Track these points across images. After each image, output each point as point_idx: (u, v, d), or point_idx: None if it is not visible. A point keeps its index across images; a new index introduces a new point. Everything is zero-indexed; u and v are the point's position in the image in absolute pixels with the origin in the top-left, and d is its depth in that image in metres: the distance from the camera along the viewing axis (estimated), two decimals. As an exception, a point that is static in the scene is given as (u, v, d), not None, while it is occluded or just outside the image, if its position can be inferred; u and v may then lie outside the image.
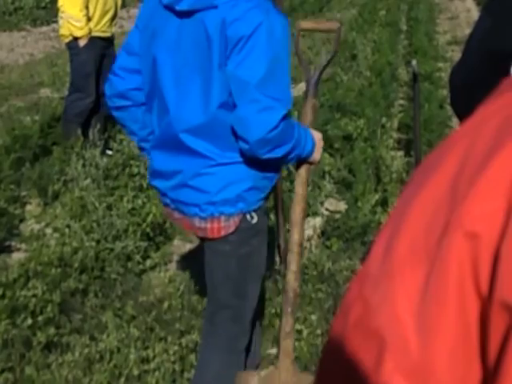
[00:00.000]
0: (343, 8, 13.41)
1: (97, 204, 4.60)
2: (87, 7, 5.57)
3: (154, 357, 3.23)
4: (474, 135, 0.58)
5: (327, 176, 5.20)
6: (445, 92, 7.16)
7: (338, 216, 4.71)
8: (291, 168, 5.10)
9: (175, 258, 4.37)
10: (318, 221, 4.70)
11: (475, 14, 12.68)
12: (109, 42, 5.85)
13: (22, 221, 4.78)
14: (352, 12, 13.22)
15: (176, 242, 4.57)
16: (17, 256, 4.29)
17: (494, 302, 0.53)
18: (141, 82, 2.42)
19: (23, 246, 4.44)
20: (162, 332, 3.43)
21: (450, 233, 0.55)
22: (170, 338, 3.37)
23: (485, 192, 0.54)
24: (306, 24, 2.73)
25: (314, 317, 3.56)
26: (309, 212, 4.81)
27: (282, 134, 2.21)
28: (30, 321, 3.41)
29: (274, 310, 3.60)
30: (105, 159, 5.44)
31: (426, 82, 7.62)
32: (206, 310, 2.67)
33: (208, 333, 2.59)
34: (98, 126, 5.90)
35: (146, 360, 3.23)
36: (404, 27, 12.02)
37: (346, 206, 4.87)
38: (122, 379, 3.11)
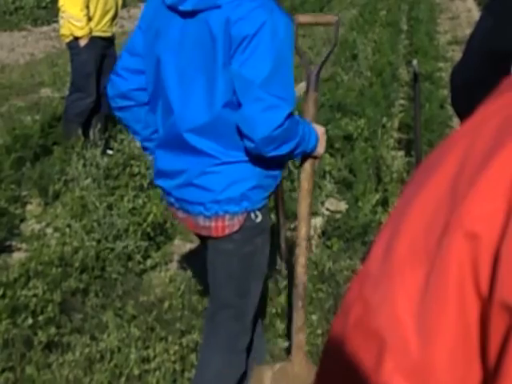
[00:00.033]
0: (344, 8, 13.41)
1: (97, 204, 4.61)
2: (88, 7, 5.57)
3: (155, 356, 3.23)
4: (474, 135, 0.58)
5: (328, 176, 5.20)
6: (445, 92, 7.16)
7: (338, 216, 4.71)
8: (291, 167, 5.10)
9: (176, 257, 4.37)
10: (318, 221, 4.70)
11: (476, 13, 12.69)
12: (109, 41, 5.85)
13: (22, 220, 4.79)
14: (352, 12, 13.22)
15: (176, 241, 4.57)
16: (17, 256, 4.29)
17: (494, 302, 0.53)
18: (143, 83, 2.42)
19: (24, 245, 4.44)
20: (163, 332, 3.43)
21: (450, 233, 0.55)
22: (170, 338, 3.37)
23: (485, 192, 0.54)
24: (304, 18, 2.73)
25: (314, 317, 3.56)
26: (309, 212, 4.81)
27: (287, 131, 2.23)
28: (30, 320, 3.41)
29: (274, 310, 3.60)
30: (105, 159, 5.44)
31: (427, 82, 7.62)
32: (208, 309, 2.67)
33: (209, 332, 2.59)
34: (99, 126, 5.90)
35: (146, 360, 3.23)
36: (405, 27, 12.02)
37: (346, 206, 4.87)
38: (123, 379, 3.11)
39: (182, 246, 4.52)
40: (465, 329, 0.55)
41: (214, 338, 2.56)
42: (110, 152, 5.79)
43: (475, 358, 0.55)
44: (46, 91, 7.98)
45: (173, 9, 2.31)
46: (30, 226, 4.70)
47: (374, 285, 0.58)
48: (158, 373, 3.13)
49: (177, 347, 3.28)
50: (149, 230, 4.38)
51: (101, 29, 5.71)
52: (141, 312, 3.61)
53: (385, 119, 6.38)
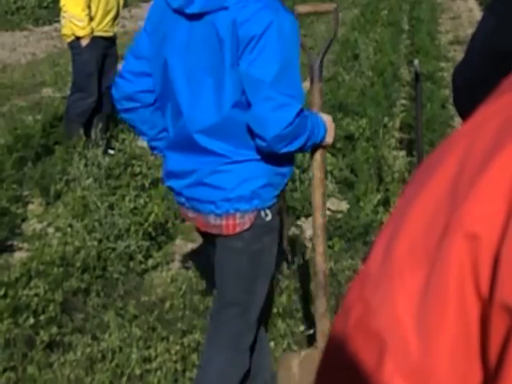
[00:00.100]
0: (345, 8, 13.40)
1: (99, 203, 4.61)
2: (89, 7, 5.57)
3: (156, 356, 3.24)
4: (474, 135, 0.58)
5: (329, 176, 5.20)
6: (447, 92, 7.16)
7: (339, 216, 4.70)
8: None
9: (177, 257, 4.37)
10: (319, 220, 4.70)
11: (477, 13, 12.68)
12: (111, 41, 5.86)
13: (24, 220, 4.79)
14: (354, 12, 13.22)
15: (178, 241, 4.57)
16: (19, 255, 4.29)
17: (495, 303, 0.53)
18: (148, 84, 2.45)
19: (25, 245, 4.44)
20: (164, 331, 3.43)
21: (450, 234, 0.55)
22: (171, 338, 3.37)
23: (485, 193, 0.54)
24: (303, 8, 2.74)
25: (315, 316, 3.56)
26: (310, 212, 4.81)
27: (298, 127, 2.26)
28: (32, 320, 3.41)
29: (276, 310, 3.60)
30: (107, 159, 5.44)
31: (428, 82, 7.61)
32: (213, 307, 2.69)
33: (213, 330, 2.60)
34: (100, 126, 5.90)
35: (147, 359, 3.23)
36: (406, 27, 12.02)
37: (347, 206, 4.87)
38: (124, 379, 3.11)
39: (184, 245, 4.52)
40: (465, 329, 0.55)
41: (218, 336, 2.57)
42: (111, 152, 5.79)
43: (475, 359, 0.55)
44: (47, 91, 7.98)
45: (179, 12, 2.33)
46: (32, 226, 4.70)
47: (374, 285, 0.58)
48: (159, 373, 3.13)
49: (178, 347, 3.28)
50: (150, 229, 4.38)
51: (102, 29, 5.72)
52: (142, 312, 3.61)
53: (386, 119, 6.38)
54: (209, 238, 2.57)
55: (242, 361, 2.60)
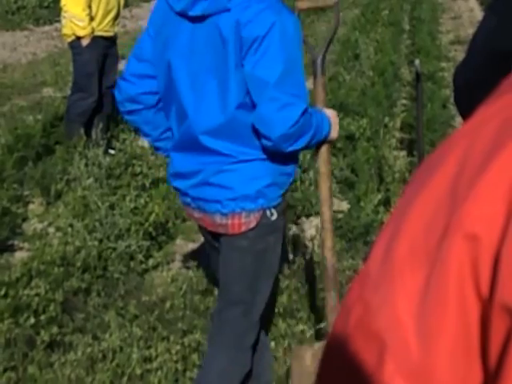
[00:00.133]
0: (346, 7, 13.39)
1: (99, 203, 4.61)
2: (90, 6, 5.57)
3: (157, 356, 3.24)
4: (474, 136, 0.58)
5: (330, 176, 5.19)
6: (447, 92, 7.16)
7: (340, 216, 4.70)
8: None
9: (178, 257, 4.37)
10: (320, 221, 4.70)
11: (478, 13, 12.67)
12: (111, 41, 5.86)
13: (24, 220, 4.79)
14: (355, 12, 13.21)
15: (178, 241, 4.57)
16: (20, 255, 4.29)
17: (495, 304, 0.53)
18: (150, 86, 2.47)
19: (26, 245, 4.45)
20: (165, 331, 3.43)
21: (450, 234, 0.55)
22: (172, 338, 3.37)
23: (484, 195, 0.54)
24: (304, 3, 2.75)
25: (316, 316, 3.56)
26: (311, 211, 4.81)
27: (303, 126, 2.28)
28: (32, 320, 3.41)
29: (276, 310, 3.60)
30: (107, 158, 5.44)
31: (429, 82, 7.61)
32: (216, 306, 2.70)
33: (216, 328, 2.61)
34: (101, 126, 5.91)
35: (148, 359, 3.23)
36: (407, 27, 12.01)
37: (348, 206, 4.87)
38: (125, 378, 3.11)
39: (184, 245, 4.52)
40: (465, 330, 0.55)
41: (221, 336, 2.58)
42: (112, 151, 5.79)
43: (476, 360, 0.55)
44: (48, 91, 7.98)
45: (182, 14, 2.34)
46: (32, 226, 4.71)
47: (374, 286, 0.58)
48: (159, 372, 3.13)
49: (179, 347, 3.28)
50: (151, 229, 4.39)
51: (103, 28, 5.72)
52: (143, 312, 3.61)
53: (387, 119, 6.38)
54: (212, 238, 2.57)
55: (244, 360, 2.60)
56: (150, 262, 4.19)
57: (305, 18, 10.87)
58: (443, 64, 8.89)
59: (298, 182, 4.97)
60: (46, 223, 4.71)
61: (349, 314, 0.60)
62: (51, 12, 12.52)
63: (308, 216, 4.81)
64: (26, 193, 5.11)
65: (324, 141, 2.50)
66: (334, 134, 2.51)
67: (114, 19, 5.84)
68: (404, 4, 14.06)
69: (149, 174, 5.20)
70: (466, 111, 1.66)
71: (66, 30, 5.73)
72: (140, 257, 4.15)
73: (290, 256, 4.04)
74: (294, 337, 3.40)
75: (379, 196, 4.84)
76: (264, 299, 2.55)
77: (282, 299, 3.69)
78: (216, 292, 3.36)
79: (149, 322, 3.51)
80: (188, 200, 2.50)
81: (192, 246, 4.47)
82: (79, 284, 3.80)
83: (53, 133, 6.15)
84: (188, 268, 4.12)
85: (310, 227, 4.63)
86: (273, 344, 3.32)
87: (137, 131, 4.91)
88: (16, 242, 4.49)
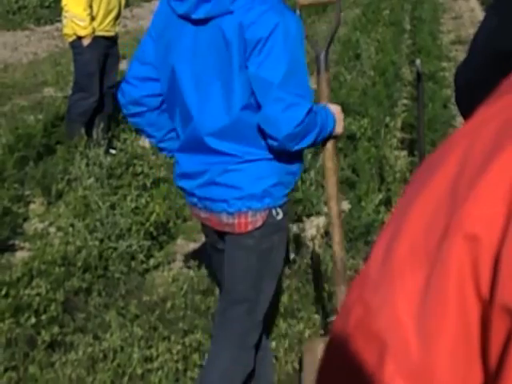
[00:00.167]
0: (347, 7, 13.38)
1: (100, 203, 4.61)
2: (91, 6, 5.57)
3: (158, 356, 3.24)
4: (474, 136, 0.58)
5: (331, 175, 5.19)
6: (449, 91, 7.15)
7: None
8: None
9: (178, 257, 4.37)
10: (321, 220, 4.70)
11: (479, 13, 12.67)
12: (112, 41, 5.86)
13: (25, 220, 4.79)
14: (356, 11, 13.21)
15: (179, 241, 4.57)
16: (20, 255, 4.29)
17: (495, 305, 0.53)
18: (153, 89, 2.48)
19: (27, 244, 4.45)
20: (166, 331, 3.43)
21: (450, 235, 0.55)
22: (173, 338, 3.37)
23: (485, 195, 0.54)
24: (305, 0, 2.75)
25: (317, 316, 3.56)
26: (312, 211, 4.81)
27: (308, 125, 2.30)
28: (33, 320, 3.41)
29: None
30: (108, 158, 5.44)
31: (430, 82, 7.61)
32: (219, 305, 2.71)
33: (219, 327, 2.61)
34: (102, 125, 5.91)
35: (149, 359, 3.23)
36: (408, 27, 12.01)
37: (349, 206, 4.87)
38: (126, 378, 3.11)
39: (185, 245, 4.52)
40: (465, 331, 0.55)
41: (224, 334, 2.58)
42: (113, 151, 5.79)
43: (476, 360, 0.55)
44: (48, 90, 7.98)
45: (184, 17, 2.35)
46: (33, 226, 4.71)
47: (374, 287, 0.58)
48: (160, 372, 3.13)
49: (179, 347, 3.29)
50: (152, 229, 4.39)
51: (104, 28, 5.72)
52: (144, 311, 3.61)
53: (388, 119, 6.38)
54: (218, 238, 2.58)
55: (247, 360, 2.61)
56: (151, 261, 4.19)
57: (306, 18, 10.86)
58: (444, 64, 8.89)
59: (299, 182, 4.96)
60: (46, 223, 4.71)
61: (349, 314, 0.60)
62: (52, 12, 12.52)
63: (309, 216, 4.81)
64: (26, 192, 5.12)
65: (329, 137, 2.52)
66: (339, 129, 2.53)
67: (115, 19, 5.84)
68: (405, 4, 14.05)
69: (150, 173, 5.20)
70: (466, 111, 1.65)
71: (66, 30, 5.74)
72: (141, 256, 4.15)
73: (291, 256, 4.04)
74: (295, 337, 3.40)
75: (380, 196, 4.84)
76: (268, 298, 2.56)
77: (283, 299, 3.69)
78: (217, 292, 3.36)
79: (150, 322, 3.51)
80: (194, 200, 2.52)
81: (193, 246, 4.47)
82: (80, 284, 3.80)
83: (54, 132, 6.15)
84: (189, 268, 4.12)
85: (311, 227, 4.63)
86: (273, 344, 3.32)
87: (138, 131, 4.91)
88: (17, 242, 4.49)
